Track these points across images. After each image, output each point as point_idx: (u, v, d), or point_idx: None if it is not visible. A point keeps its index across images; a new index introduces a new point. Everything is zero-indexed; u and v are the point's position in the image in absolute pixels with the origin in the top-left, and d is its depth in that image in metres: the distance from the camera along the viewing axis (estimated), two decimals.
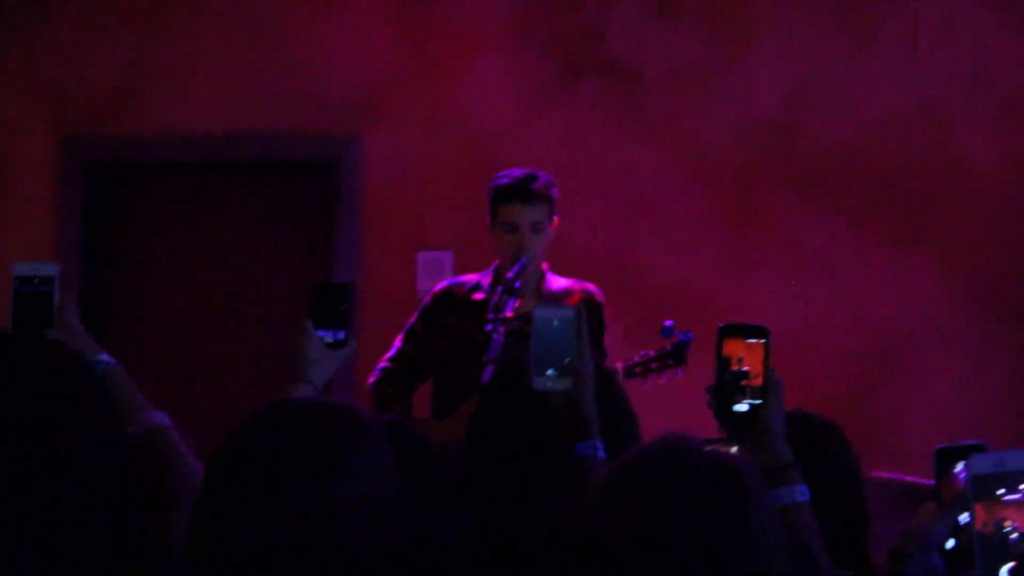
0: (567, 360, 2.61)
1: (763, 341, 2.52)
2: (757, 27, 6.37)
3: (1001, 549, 1.56)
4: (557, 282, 4.92)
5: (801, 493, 2.47)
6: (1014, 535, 1.56)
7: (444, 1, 6.53)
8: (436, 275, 6.04)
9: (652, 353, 4.81)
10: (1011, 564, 1.55)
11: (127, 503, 2.09)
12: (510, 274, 4.67)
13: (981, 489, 1.57)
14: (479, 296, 4.77)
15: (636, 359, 4.82)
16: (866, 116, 6.30)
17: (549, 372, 2.60)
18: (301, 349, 2.86)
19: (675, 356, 4.77)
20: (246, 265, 6.71)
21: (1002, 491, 1.56)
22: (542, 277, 4.90)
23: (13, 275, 2.71)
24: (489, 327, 4.51)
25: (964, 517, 2.68)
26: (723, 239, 6.34)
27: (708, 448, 1.92)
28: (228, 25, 6.65)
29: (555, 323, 2.63)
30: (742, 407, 2.49)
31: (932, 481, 2.99)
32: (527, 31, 6.49)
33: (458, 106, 6.50)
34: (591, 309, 4.82)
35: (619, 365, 4.80)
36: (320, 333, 2.88)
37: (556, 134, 6.43)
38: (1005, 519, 1.55)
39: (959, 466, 2.73)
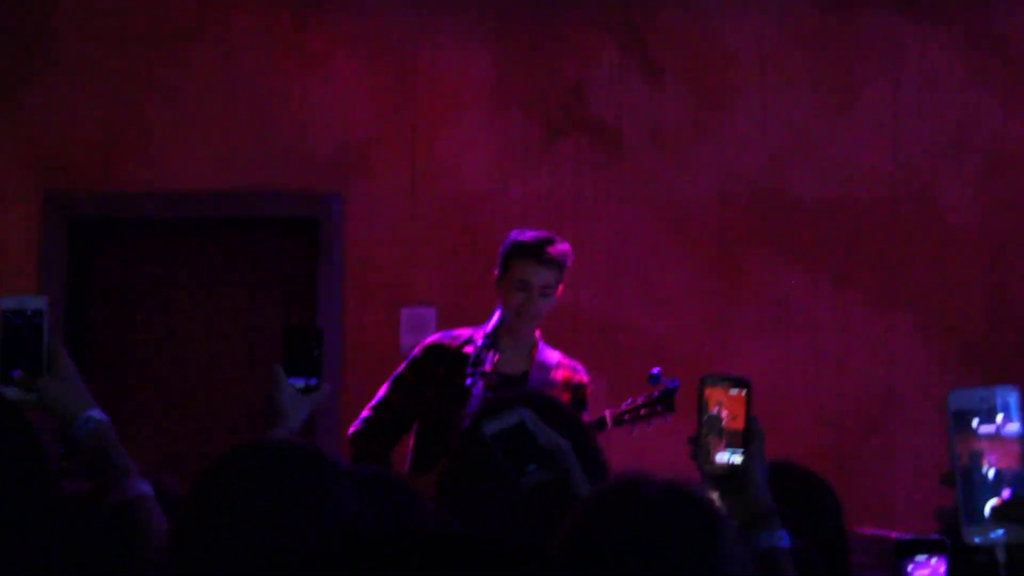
0: (544, 454, 2.60)
1: (744, 391, 2.53)
2: (739, 87, 6.41)
3: (981, 487, 1.58)
4: (549, 354, 4.93)
5: (781, 538, 2.47)
6: (991, 472, 1.58)
7: (427, 60, 6.57)
8: (420, 331, 6.04)
9: (640, 400, 4.82)
10: (993, 501, 1.57)
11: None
12: (488, 328, 4.69)
13: (960, 423, 1.59)
14: (470, 349, 4.76)
15: (624, 406, 4.83)
16: (848, 176, 6.33)
17: (531, 468, 2.60)
18: (274, 396, 2.88)
19: (663, 403, 4.79)
20: (229, 321, 6.71)
21: (976, 422, 1.58)
22: (535, 346, 4.90)
23: (2, 308, 2.59)
24: (468, 380, 4.52)
25: None
26: (705, 297, 6.36)
27: (668, 480, 1.94)
28: (211, 83, 6.67)
29: (510, 429, 2.62)
30: (724, 456, 2.50)
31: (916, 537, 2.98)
32: (509, 91, 6.53)
33: (441, 164, 6.52)
34: (571, 387, 4.85)
35: (607, 413, 4.81)
36: (292, 380, 2.89)
37: (538, 193, 6.45)
38: (981, 453, 1.57)
39: (912, 564, 2.71)
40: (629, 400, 4.85)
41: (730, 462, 2.50)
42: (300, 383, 2.90)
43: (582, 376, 4.93)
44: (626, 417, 4.81)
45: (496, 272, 4.86)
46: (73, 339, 6.60)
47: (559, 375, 4.89)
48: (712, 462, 2.51)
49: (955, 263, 6.27)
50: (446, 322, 5.91)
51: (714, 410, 2.52)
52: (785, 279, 6.31)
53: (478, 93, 6.54)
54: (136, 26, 6.74)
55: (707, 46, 6.45)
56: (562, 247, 4.84)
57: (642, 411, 4.81)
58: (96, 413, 2.58)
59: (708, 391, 2.54)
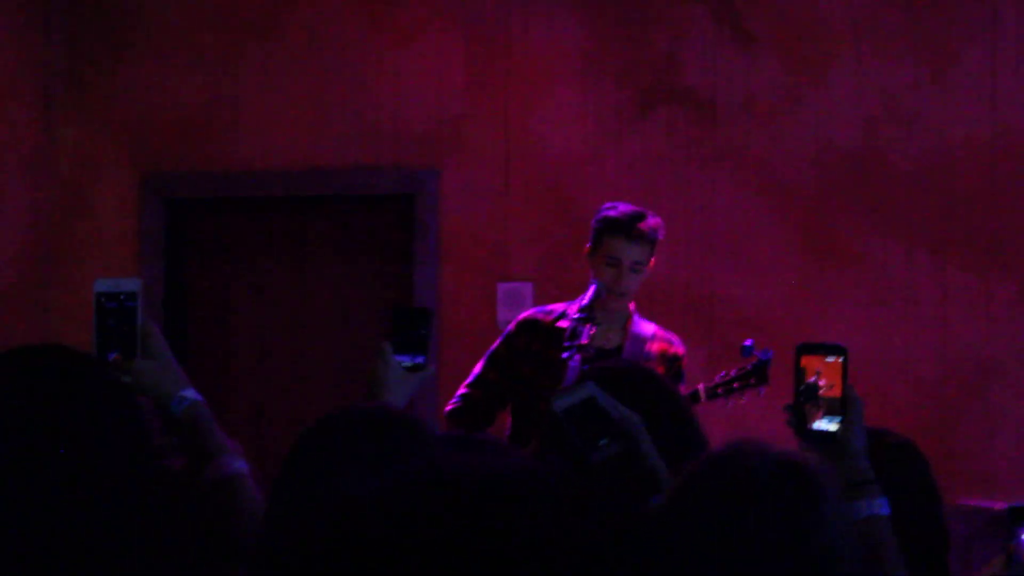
0: (612, 426, 2.61)
1: (841, 359, 2.53)
2: (833, 54, 6.35)
3: None
4: (644, 326, 4.92)
5: (880, 506, 2.47)
6: None
7: (518, 33, 6.57)
8: (517, 306, 6.04)
9: (733, 373, 4.81)
10: None
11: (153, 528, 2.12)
12: (585, 301, 4.68)
13: None
14: (564, 324, 4.76)
15: (717, 379, 4.82)
16: (945, 142, 6.26)
17: (602, 443, 2.60)
18: (379, 373, 2.91)
19: (756, 375, 4.77)
20: (327, 298, 6.76)
21: None
22: (629, 318, 4.89)
23: (96, 291, 2.60)
24: (565, 354, 4.51)
25: None
26: (801, 267, 6.32)
27: (777, 449, 1.94)
28: (304, 59, 6.71)
29: (580, 404, 2.62)
30: (821, 424, 2.51)
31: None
32: (601, 62, 6.51)
33: (534, 137, 6.52)
34: (667, 359, 4.83)
35: (700, 386, 4.80)
36: (399, 358, 2.92)
37: (632, 164, 6.43)
38: None
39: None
40: (722, 373, 4.83)
41: (828, 430, 2.51)
42: (406, 361, 2.92)
43: (678, 348, 4.92)
44: (719, 391, 4.79)
45: (588, 246, 4.86)
46: (172, 318, 6.68)
47: (654, 347, 4.88)
48: (810, 430, 2.52)
49: None
50: (543, 296, 5.92)
51: (811, 378, 2.53)
52: (881, 247, 6.26)
53: (570, 65, 6.53)
54: (228, 4, 6.80)
55: (800, 13, 6.39)
56: (653, 222, 4.81)
57: (735, 384, 4.79)
58: (190, 393, 2.60)
59: (805, 359, 2.55)
